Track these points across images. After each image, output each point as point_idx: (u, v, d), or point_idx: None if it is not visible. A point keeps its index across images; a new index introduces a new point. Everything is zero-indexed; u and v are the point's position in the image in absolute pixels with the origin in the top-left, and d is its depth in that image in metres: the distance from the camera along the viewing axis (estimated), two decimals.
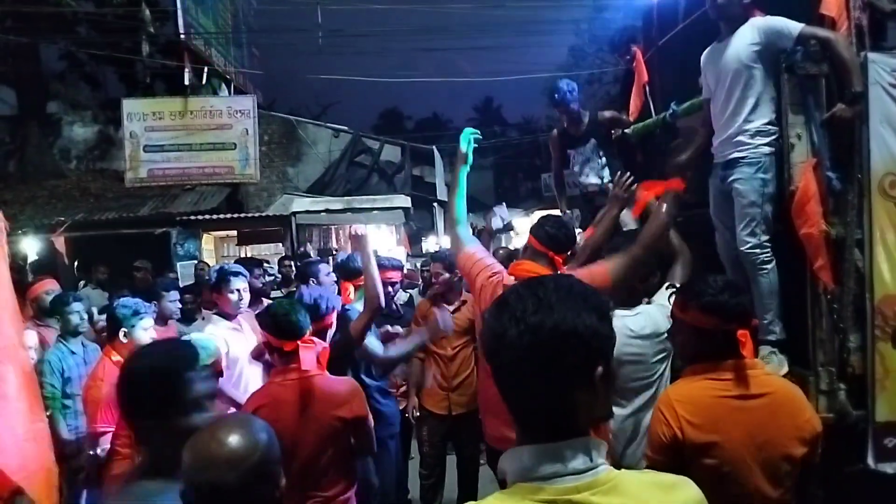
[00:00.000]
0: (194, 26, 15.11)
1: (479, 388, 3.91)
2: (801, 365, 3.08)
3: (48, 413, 4.14)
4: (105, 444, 3.45)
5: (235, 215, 14.40)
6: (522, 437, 1.14)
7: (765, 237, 3.17)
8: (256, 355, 3.87)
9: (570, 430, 1.11)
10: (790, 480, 2.16)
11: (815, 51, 3.03)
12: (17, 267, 8.68)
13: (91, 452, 3.57)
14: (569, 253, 3.06)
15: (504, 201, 4.32)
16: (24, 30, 15.32)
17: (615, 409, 2.52)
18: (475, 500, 1.17)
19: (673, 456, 2.14)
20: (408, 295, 6.24)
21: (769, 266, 3.18)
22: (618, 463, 2.52)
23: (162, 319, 5.03)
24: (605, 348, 1.13)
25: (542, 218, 3.19)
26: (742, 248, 3.21)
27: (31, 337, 4.51)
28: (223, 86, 16.56)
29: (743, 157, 3.21)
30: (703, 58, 3.57)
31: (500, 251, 6.73)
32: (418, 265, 9.15)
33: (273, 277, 8.81)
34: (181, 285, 7.10)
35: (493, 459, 3.73)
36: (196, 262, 10.63)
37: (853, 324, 3.00)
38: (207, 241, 14.43)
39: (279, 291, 7.63)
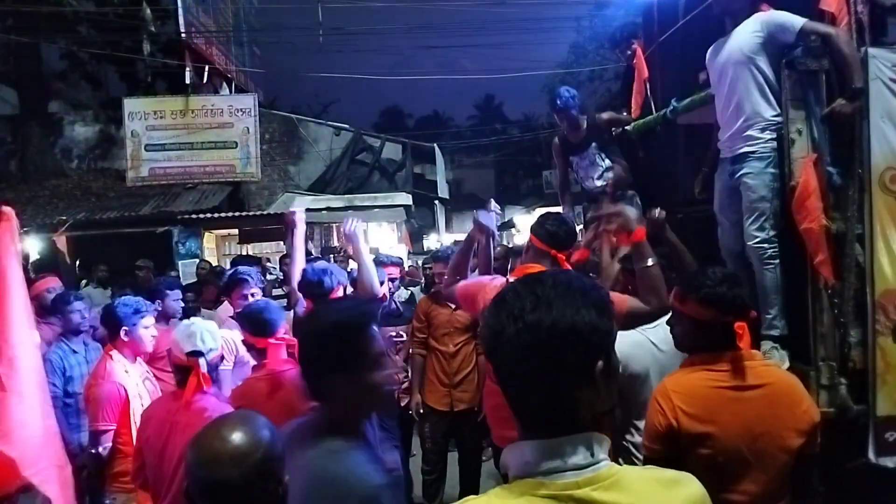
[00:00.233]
0: (195, 25, 15.11)
1: (485, 393, 3.91)
2: (802, 360, 3.08)
3: None
4: (107, 442, 3.46)
5: (237, 214, 14.40)
6: (524, 433, 1.14)
7: (773, 232, 3.17)
8: None
9: (571, 426, 1.11)
10: (787, 471, 2.16)
11: (815, 46, 3.02)
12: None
13: (93, 451, 3.58)
14: (571, 251, 3.04)
15: (503, 198, 4.28)
16: (25, 29, 15.33)
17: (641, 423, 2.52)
18: (477, 495, 1.17)
19: (669, 445, 2.15)
20: (409, 292, 6.24)
21: (775, 261, 3.18)
22: None
23: (165, 318, 5.04)
24: (604, 343, 1.13)
25: (542, 216, 3.18)
26: (750, 243, 3.21)
27: (34, 335, 4.52)
28: (224, 84, 16.58)
29: (753, 152, 3.21)
30: (708, 53, 3.56)
31: (498, 248, 6.74)
32: (420, 263, 9.15)
33: (275, 276, 8.83)
34: (183, 284, 7.10)
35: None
36: (197, 260, 10.64)
37: (854, 318, 2.99)
38: (209, 240, 14.44)
39: (281, 289, 7.64)
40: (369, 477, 1.63)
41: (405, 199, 15.69)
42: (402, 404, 4.99)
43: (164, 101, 15.47)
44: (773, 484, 2.14)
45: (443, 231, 19.88)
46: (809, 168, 2.98)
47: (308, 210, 14.13)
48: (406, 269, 10.32)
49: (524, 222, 20.21)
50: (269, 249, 14.13)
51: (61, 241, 10.58)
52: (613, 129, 4.96)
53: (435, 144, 20.16)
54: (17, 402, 2.61)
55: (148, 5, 14.74)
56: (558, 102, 4.81)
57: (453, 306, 4.69)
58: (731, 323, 2.16)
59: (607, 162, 4.85)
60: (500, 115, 40.85)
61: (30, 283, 5.63)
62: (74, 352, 4.57)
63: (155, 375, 3.88)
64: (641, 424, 2.44)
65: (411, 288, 6.67)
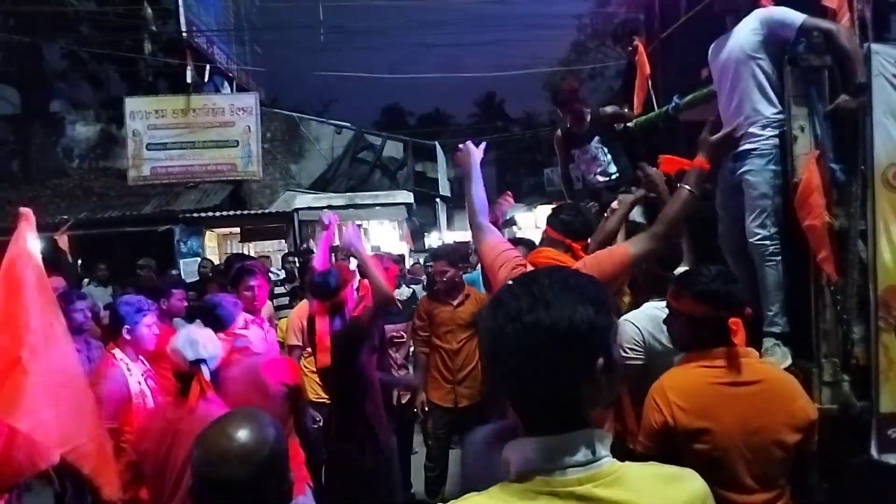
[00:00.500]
0: (196, 24, 15.13)
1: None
2: (805, 356, 3.07)
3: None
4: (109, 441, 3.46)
5: (238, 212, 14.43)
6: (525, 430, 1.13)
7: (774, 229, 3.16)
8: None
9: (573, 423, 1.11)
10: (784, 468, 2.16)
11: (817, 42, 3.01)
12: None
13: None
14: (587, 241, 2.98)
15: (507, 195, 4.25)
16: (26, 29, 15.36)
17: None
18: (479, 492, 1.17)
19: (665, 442, 2.15)
20: (411, 290, 6.25)
21: (777, 258, 3.17)
22: None
23: (168, 317, 5.04)
24: (604, 340, 1.12)
25: (558, 206, 3.14)
26: (751, 240, 3.20)
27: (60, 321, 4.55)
28: (225, 83, 16.59)
29: (754, 149, 3.20)
30: (710, 50, 3.55)
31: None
32: (421, 261, 9.15)
33: (277, 277, 8.83)
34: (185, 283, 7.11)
35: None
36: (199, 259, 10.64)
37: (857, 315, 2.99)
38: (210, 239, 14.46)
39: (283, 287, 7.65)
40: None
41: (406, 197, 15.69)
42: (403, 402, 5.00)
43: (166, 101, 15.48)
44: (770, 480, 2.14)
45: (444, 229, 19.88)
46: (812, 165, 2.97)
47: (309, 209, 14.25)
48: (408, 267, 10.35)
49: (525, 220, 20.20)
50: (270, 248, 14.14)
51: (63, 241, 10.55)
52: (616, 125, 4.95)
53: (436, 142, 20.17)
54: (41, 386, 2.62)
55: (149, 4, 14.77)
56: (560, 97, 4.80)
57: (455, 303, 4.69)
58: (726, 319, 2.17)
59: (609, 157, 4.83)
60: (501, 113, 40.75)
61: None
62: (77, 350, 4.57)
63: (157, 374, 3.88)
64: None
65: (413, 286, 6.67)
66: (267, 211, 14.85)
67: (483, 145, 3.11)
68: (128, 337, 3.71)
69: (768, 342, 3.13)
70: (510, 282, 1.19)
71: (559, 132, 5.09)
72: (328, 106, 32.19)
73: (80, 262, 10.76)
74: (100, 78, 20.76)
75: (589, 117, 4.81)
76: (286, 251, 11.88)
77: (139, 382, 3.62)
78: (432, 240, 17.81)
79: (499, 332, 1.11)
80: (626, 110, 5.11)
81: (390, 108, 41.45)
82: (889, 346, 2.96)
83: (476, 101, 41.39)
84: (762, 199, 3.17)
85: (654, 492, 1.11)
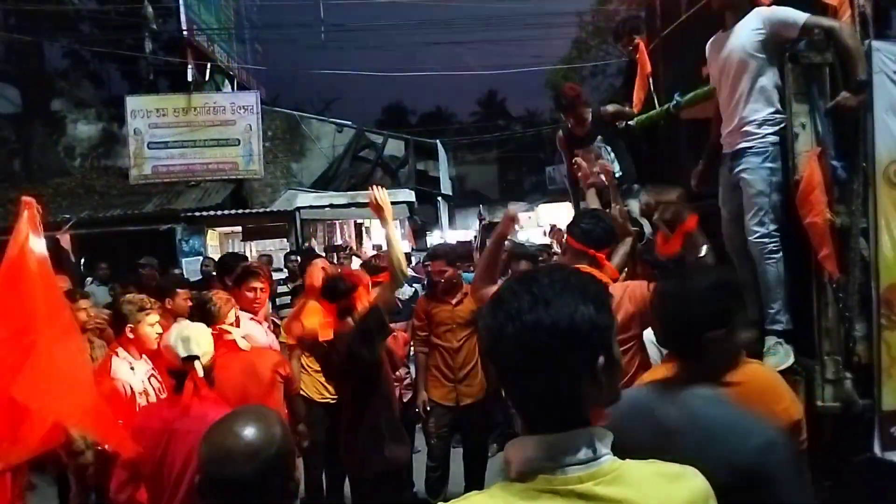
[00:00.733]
0: (197, 23, 15.14)
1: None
2: (808, 354, 3.07)
3: None
4: None
5: (240, 211, 14.44)
6: (526, 428, 1.13)
7: (773, 227, 3.16)
8: None
9: (573, 421, 1.11)
10: None
11: (819, 40, 3.01)
12: None
13: (98, 448, 3.59)
14: (610, 248, 2.90)
15: (506, 195, 4.21)
16: (27, 28, 15.37)
17: None
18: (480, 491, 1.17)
19: None
20: (413, 289, 6.24)
21: (777, 255, 3.17)
22: None
23: (173, 317, 5.02)
24: (605, 338, 1.12)
25: (577, 214, 3.11)
26: (750, 238, 3.21)
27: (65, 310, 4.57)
28: (226, 82, 16.60)
29: (750, 147, 3.20)
30: (707, 47, 3.55)
31: (507, 242, 6.74)
32: (423, 259, 9.13)
33: (281, 276, 8.84)
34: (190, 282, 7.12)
35: None
36: (201, 258, 10.66)
37: (859, 313, 2.99)
38: (212, 238, 14.47)
39: (286, 286, 7.65)
40: (763, 422, 1.66)
41: (408, 195, 15.68)
42: (405, 400, 4.99)
43: (167, 99, 15.50)
44: None
45: (446, 227, 19.90)
46: (813, 162, 2.97)
47: (311, 207, 14.26)
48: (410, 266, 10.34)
49: (527, 219, 20.20)
50: (272, 247, 14.14)
51: (65, 240, 10.59)
52: (618, 122, 4.94)
53: (437, 141, 20.17)
54: (49, 365, 2.64)
55: (149, 3, 14.77)
56: (563, 101, 4.79)
57: (454, 302, 4.69)
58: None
59: (613, 156, 4.83)
60: (503, 111, 40.70)
61: None
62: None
63: (161, 373, 3.89)
64: None
65: (415, 284, 6.66)
66: (268, 210, 14.85)
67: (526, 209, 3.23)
68: (131, 336, 3.72)
69: (770, 340, 3.13)
70: (510, 280, 1.19)
71: (561, 133, 5.09)
72: (329, 104, 32.21)
73: (83, 261, 10.80)
74: (101, 77, 20.80)
75: (591, 117, 4.81)
76: (288, 250, 11.88)
77: (143, 381, 3.63)
78: (434, 238, 17.80)
79: (499, 331, 1.11)
80: (627, 108, 5.10)
81: (392, 107, 41.42)
82: (891, 344, 2.96)
83: (478, 100, 41.39)
84: (759, 196, 3.17)
85: (656, 489, 1.11)
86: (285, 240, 14.25)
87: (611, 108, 4.96)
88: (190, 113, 15.05)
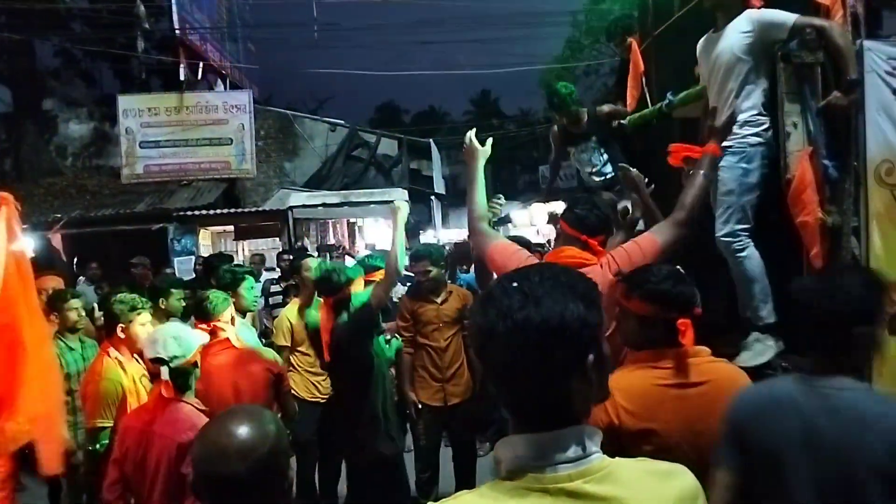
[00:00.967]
0: (189, 22, 15.09)
1: None
2: (799, 353, 3.08)
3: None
4: (104, 440, 3.45)
5: (232, 210, 14.40)
6: (516, 427, 1.13)
7: (739, 226, 3.19)
8: None
9: (563, 419, 1.11)
10: None
11: (810, 39, 3.02)
12: None
13: (90, 448, 3.58)
14: (605, 236, 2.85)
15: (501, 193, 4.17)
16: (18, 26, 15.28)
17: None
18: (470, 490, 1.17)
19: (611, 442, 2.11)
20: (406, 289, 6.22)
21: (744, 253, 3.20)
22: None
23: (165, 316, 5.01)
24: (595, 336, 1.12)
25: (573, 200, 3.10)
26: (717, 235, 3.24)
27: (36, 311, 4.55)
28: (219, 81, 16.55)
29: (729, 147, 3.23)
30: (698, 47, 3.56)
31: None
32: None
33: (272, 275, 8.83)
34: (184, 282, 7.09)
35: None
36: (193, 258, 10.62)
37: None
38: (204, 237, 14.42)
39: (278, 286, 7.64)
40: None
41: (401, 195, 15.62)
42: (395, 399, 4.99)
43: (159, 98, 15.44)
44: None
45: (439, 227, 19.88)
46: (805, 161, 2.98)
47: (304, 206, 14.23)
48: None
49: (521, 218, 20.22)
50: (264, 246, 14.11)
51: (56, 239, 10.56)
52: (613, 121, 4.94)
53: (431, 140, 20.16)
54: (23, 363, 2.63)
55: (142, 2, 14.69)
56: (555, 101, 4.79)
57: (439, 301, 4.68)
58: (674, 320, 2.14)
59: (605, 157, 4.83)
60: (497, 111, 40.75)
61: None
62: (71, 349, 4.56)
63: (151, 373, 3.87)
64: None
65: (408, 283, 6.64)
66: (261, 209, 14.81)
67: (489, 141, 3.12)
68: (122, 336, 3.70)
69: (752, 336, 3.17)
70: (501, 278, 1.19)
71: (555, 128, 5.09)
72: (322, 103, 32.21)
73: (75, 260, 10.76)
74: (92, 76, 20.71)
75: (586, 116, 4.81)
76: (280, 249, 11.86)
77: (134, 381, 3.61)
78: (427, 237, 17.80)
79: (490, 329, 1.10)
80: (621, 107, 5.11)
81: (385, 106, 41.45)
82: (882, 343, 2.97)
83: (471, 99, 41.42)
84: (728, 195, 3.21)
85: (646, 487, 1.11)
86: (278, 239, 14.21)
87: (606, 107, 4.97)
88: (182, 112, 15.00)
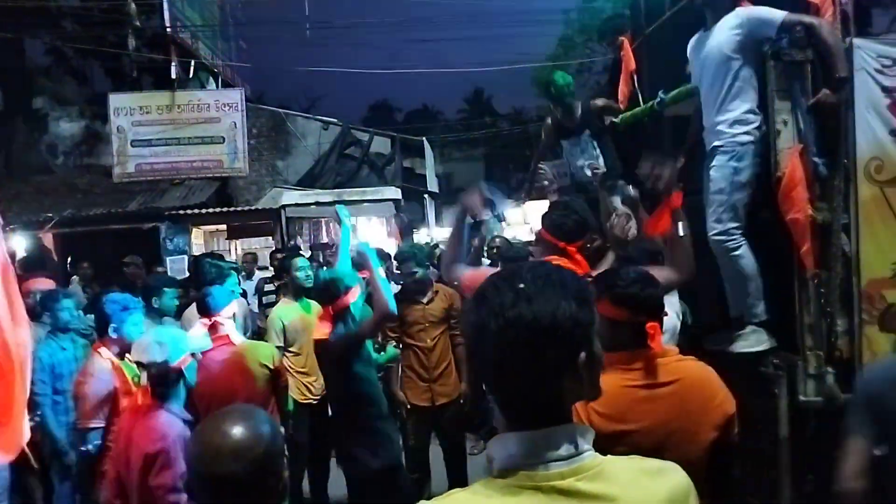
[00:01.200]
0: (181, 19, 15.02)
1: None
2: (790, 349, 3.11)
3: (38, 412, 4.13)
4: (96, 440, 3.45)
5: (225, 209, 14.36)
6: (508, 425, 1.14)
7: (731, 224, 3.20)
8: None
9: (556, 417, 1.11)
10: (702, 466, 2.14)
11: (800, 37, 3.03)
12: None
13: (82, 448, 3.57)
14: (584, 242, 2.78)
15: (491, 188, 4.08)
16: (8, 24, 15.16)
17: None
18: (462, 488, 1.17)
19: None
20: (398, 288, 6.23)
21: (738, 251, 3.22)
22: None
23: (158, 315, 4.99)
24: (587, 334, 1.12)
25: (551, 205, 3.08)
26: (709, 234, 3.25)
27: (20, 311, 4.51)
28: (211, 79, 16.48)
29: (721, 146, 3.25)
30: (690, 45, 3.58)
31: (497, 239, 6.77)
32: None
33: (264, 275, 8.81)
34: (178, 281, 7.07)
35: None
36: (185, 257, 10.59)
37: (840, 308, 3.02)
38: (197, 236, 14.38)
39: (271, 284, 7.63)
40: None
41: (394, 193, 15.64)
42: None
43: (150, 97, 15.36)
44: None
45: (433, 225, 19.87)
46: (795, 158, 3.00)
47: (297, 205, 14.20)
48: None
49: (514, 216, 20.21)
50: (257, 245, 14.08)
51: (48, 239, 10.51)
52: (606, 117, 4.94)
53: (424, 138, 20.13)
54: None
55: (132, 0, 14.61)
56: (552, 90, 4.79)
57: (425, 301, 4.68)
58: (643, 323, 2.13)
59: (598, 150, 4.83)
60: (490, 109, 40.71)
61: (20, 281, 5.60)
62: (63, 349, 4.54)
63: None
64: None
65: (401, 283, 6.65)
66: (253, 208, 14.78)
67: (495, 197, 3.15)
68: (114, 336, 3.69)
69: (748, 328, 3.22)
70: (493, 276, 1.19)
71: (549, 120, 5.09)
72: (315, 102, 32.10)
73: (68, 259, 10.71)
74: (83, 74, 20.55)
75: (580, 110, 4.82)
76: (273, 248, 11.84)
77: (130, 380, 3.60)
78: (421, 236, 17.79)
79: (481, 327, 1.11)
80: (614, 104, 5.11)
81: (378, 104, 41.30)
82: (872, 339, 2.99)
83: (464, 97, 41.36)
84: (718, 194, 3.22)
85: (638, 485, 1.12)
86: (270, 238, 14.19)
87: (600, 101, 4.96)
88: (174, 110, 14.92)
